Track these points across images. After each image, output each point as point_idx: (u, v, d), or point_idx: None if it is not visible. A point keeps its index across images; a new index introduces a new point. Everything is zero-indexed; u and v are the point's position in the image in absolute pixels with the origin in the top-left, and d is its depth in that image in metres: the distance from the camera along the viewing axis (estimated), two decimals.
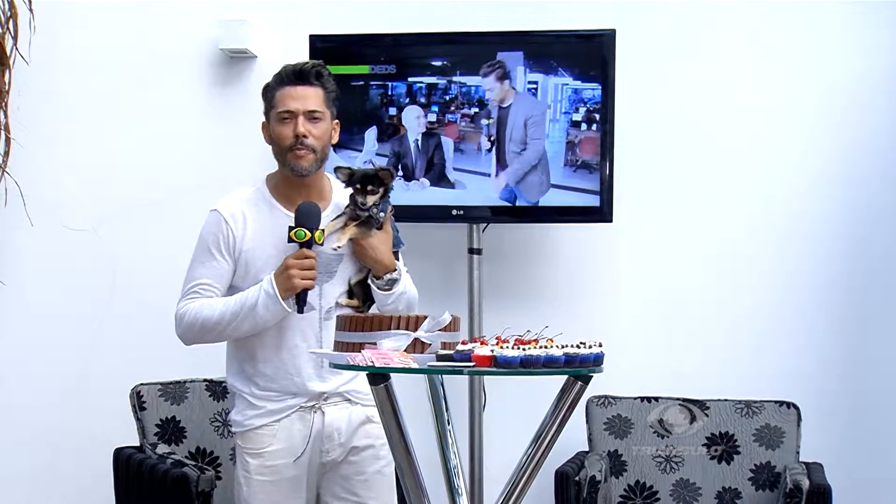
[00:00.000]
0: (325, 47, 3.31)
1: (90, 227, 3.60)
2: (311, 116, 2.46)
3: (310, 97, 2.47)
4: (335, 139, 2.57)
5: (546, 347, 2.03)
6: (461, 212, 3.31)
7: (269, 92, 2.52)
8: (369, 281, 2.51)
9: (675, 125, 3.52)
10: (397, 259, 2.55)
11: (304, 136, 2.45)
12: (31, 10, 3.47)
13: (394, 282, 2.50)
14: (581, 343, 2.07)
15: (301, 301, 2.42)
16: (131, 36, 3.62)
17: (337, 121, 2.57)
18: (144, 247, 3.57)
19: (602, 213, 3.28)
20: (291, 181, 2.51)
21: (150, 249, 3.56)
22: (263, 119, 2.55)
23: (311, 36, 3.33)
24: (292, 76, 2.47)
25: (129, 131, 3.61)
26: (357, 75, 3.31)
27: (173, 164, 3.61)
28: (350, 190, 2.50)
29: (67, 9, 3.59)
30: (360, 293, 2.53)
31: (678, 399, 3.31)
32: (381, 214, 2.49)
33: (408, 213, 3.28)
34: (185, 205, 3.51)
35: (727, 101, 3.50)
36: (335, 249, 2.46)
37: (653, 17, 3.51)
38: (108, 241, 3.60)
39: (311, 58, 3.26)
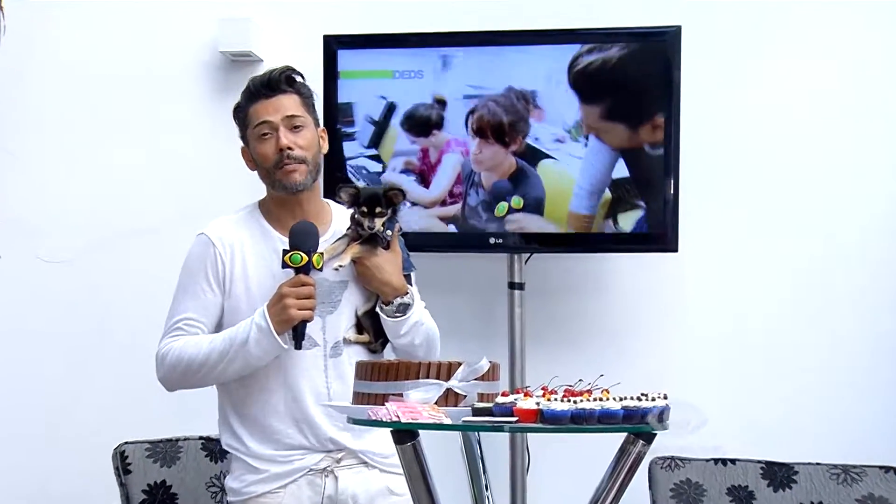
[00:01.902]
0: (342, 49, 3.36)
1: (70, 259, 3.65)
2: (293, 125, 2.55)
3: (285, 104, 2.55)
4: (325, 148, 2.65)
5: (601, 399, 2.03)
6: (500, 240, 3.33)
7: (240, 112, 2.62)
8: (377, 309, 2.54)
9: (749, 141, 3.52)
10: (409, 284, 2.59)
11: (290, 149, 2.52)
12: (0, 7, 3.53)
13: (406, 307, 2.53)
14: (642, 394, 2.07)
15: (299, 335, 2.45)
16: (117, 38, 3.68)
17: (323, 128, 2.65)
18: (134, 282, 3.61)
19: (666, 241, 3.28)
20: (285, 202, 2.57)
21: (140, 285, 3.60)
22: (241, 145, 2.64)
23: (325, 36, 3.38)
24: (262, 87, 2.57)
25: (115, 148, 3.67)
26: (383, 82, 3.35)
27: (167, 185, 3.65)
28: (351, 211, 2.56)
29: (43, 7, 3.66)
30: (370, 326, 2.57)
31: (759, 461, 3.29)
32: (388, 233, 2.55)
33: (438, 242, 3.30)
34: (182, 232, 3.48)
35: (810, 114, 3.49)
36: (336, 269, 2.50)
37: (724, 13, 3.52)
38: (92, 276, 3.64)
39: (324, 61, 3.32)
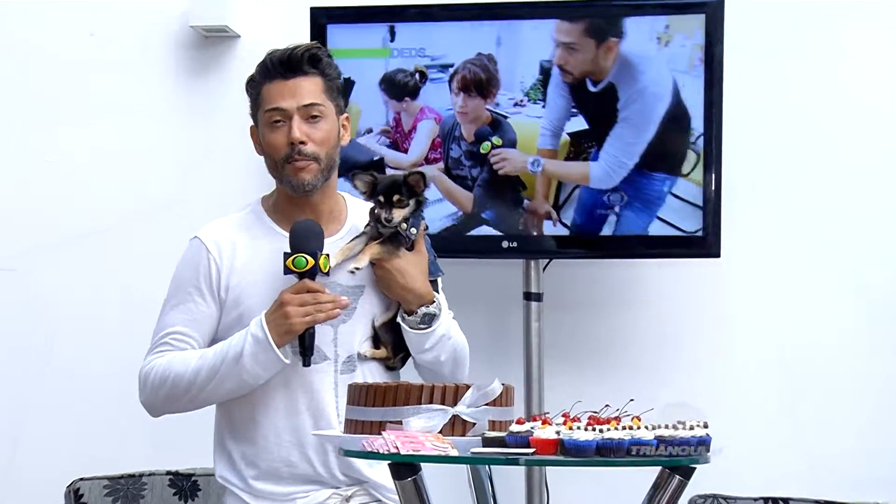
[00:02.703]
0: (332, 24, 3.36)
1: (11, 267, 3.66)
2: (309, 114, 2.55)
3: (304, 89, 2.55)
4: (346, 139, 2.66)
5: (631, 428, 2.03)
6: (514, 244, 3.34)
7: (253, 88, 2.62)
8: (399, 319, 2.55)
9: (804, 129, 3.52)
10: (436, 291, 2.60)
11: (302, 143, 2.53)
12: None
13: (431, 317, 2.54)
14: (679, 423, 2.07)
15: (307, 348, 2.46)
16: (69, 9, 3.68)
17: (346, 115, 2.65)
18: (87, 292, 3.62)
19: (706, 246, 3.29)
20: (293, 199, 2.60)
21: (94, 296, 3.61)
22: (252, 123, 2.65)
23: (312, 9, 3.39)
24: (279, 66, 2.56)
25: (66, 137, 3.68)
26: (376, 60, 3.36)
27: (128, 180, 3.66)
28: (371, 205, 2.57)
29: None
30: (389, 339, 2.58)
31: (816, 501, 3.29)
32: (413, 231, 2.55)
33: (444, 246, 3.31)
34: (145, 234, 3.56)
35: (877, 98, 3.50)
36: (352, 272, 2.51)
37: None
38: (39, 286, 3.65)
39: (311, 37, 3.32)
